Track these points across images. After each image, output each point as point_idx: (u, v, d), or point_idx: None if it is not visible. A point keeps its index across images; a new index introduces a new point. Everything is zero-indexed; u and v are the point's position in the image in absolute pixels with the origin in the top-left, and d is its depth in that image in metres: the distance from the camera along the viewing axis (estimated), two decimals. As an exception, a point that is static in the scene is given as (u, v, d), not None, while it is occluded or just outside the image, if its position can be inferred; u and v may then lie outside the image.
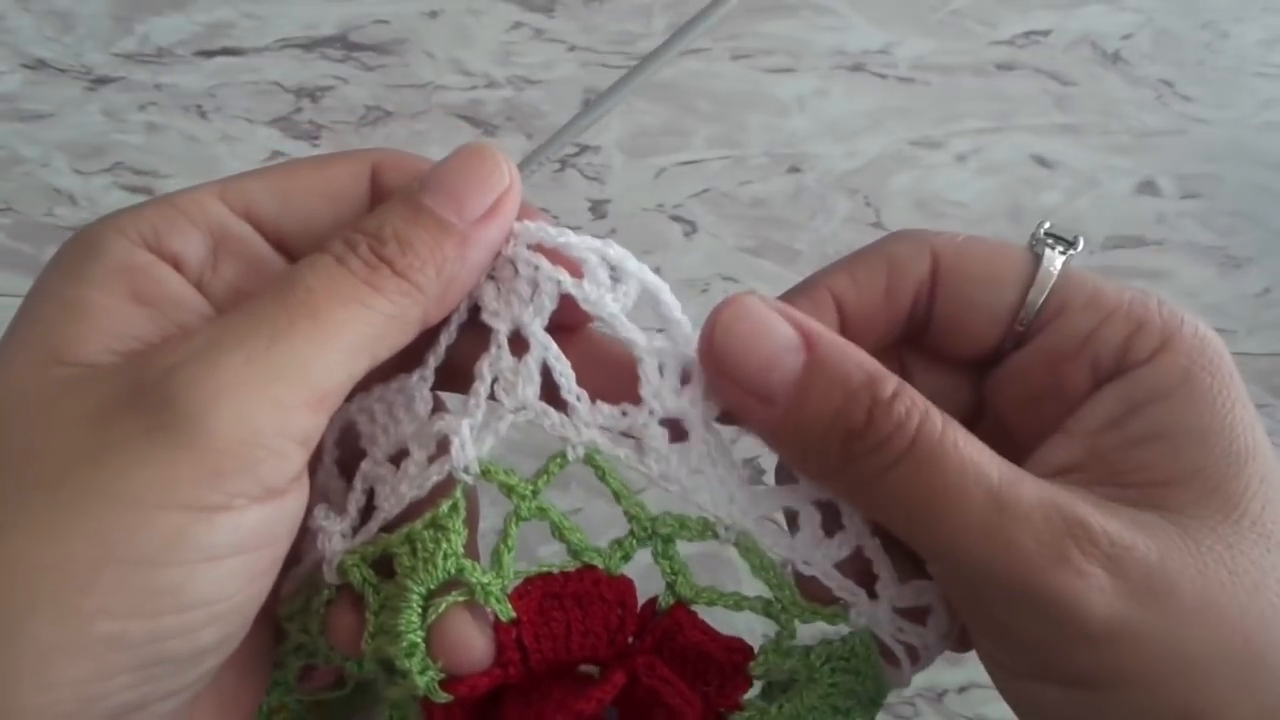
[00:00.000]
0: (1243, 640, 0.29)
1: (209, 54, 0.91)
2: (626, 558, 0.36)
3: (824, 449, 0.33)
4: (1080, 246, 0.36)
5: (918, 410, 0.32)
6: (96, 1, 0.91)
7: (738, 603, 0.37)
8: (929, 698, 0.76)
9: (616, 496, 0.36)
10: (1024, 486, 0.31)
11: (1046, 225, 0.36)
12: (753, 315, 0.33)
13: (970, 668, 0.76)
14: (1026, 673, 0.32)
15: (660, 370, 0.35)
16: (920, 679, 0.78)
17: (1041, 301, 0.35)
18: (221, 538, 0.29)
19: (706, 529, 0.36)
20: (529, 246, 0.35)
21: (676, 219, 0.88)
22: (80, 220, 0.83)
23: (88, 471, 0.28)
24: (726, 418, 0.36)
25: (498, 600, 0.35)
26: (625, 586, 0.36)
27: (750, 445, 0.36)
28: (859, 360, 0.33)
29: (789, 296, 0.38)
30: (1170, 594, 0.30)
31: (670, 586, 0.37)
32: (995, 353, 0.37)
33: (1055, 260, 0.35)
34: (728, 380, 0.34)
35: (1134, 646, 0.29)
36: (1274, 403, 0.85)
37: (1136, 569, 0.30)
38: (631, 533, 0.36)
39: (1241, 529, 0.31)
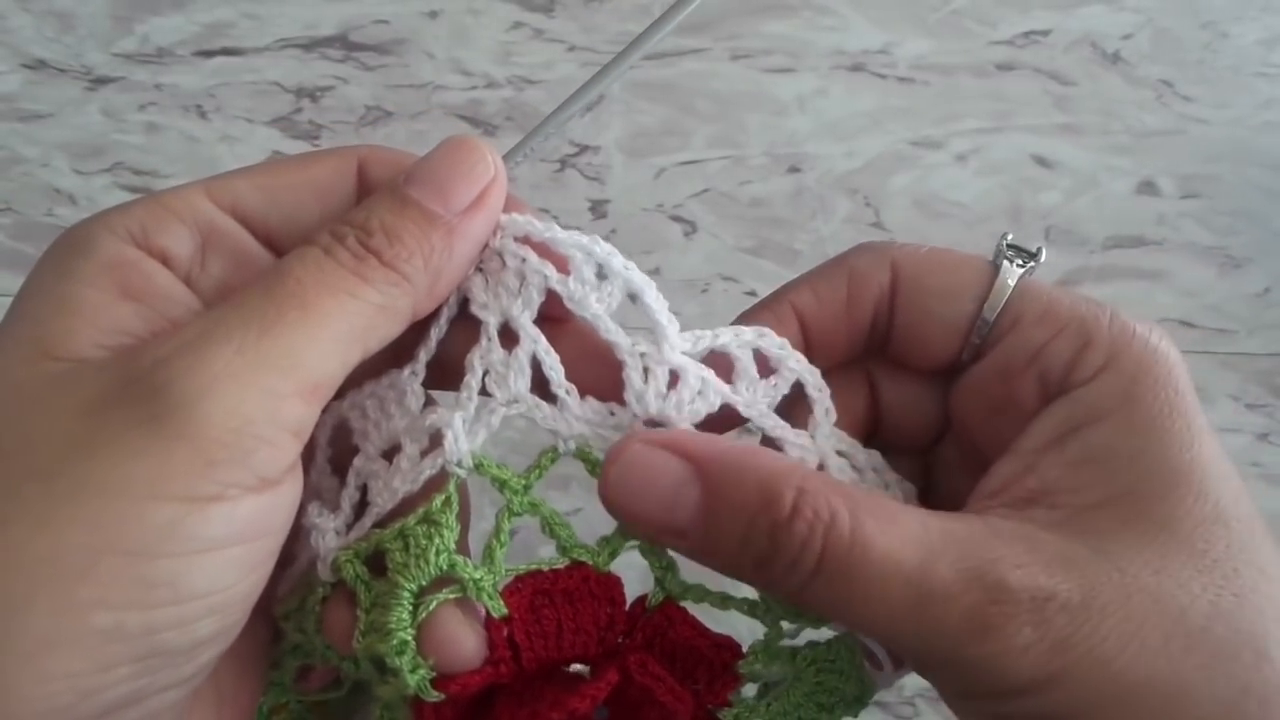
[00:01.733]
0: (1167, 668, 0.30)
1: (209, 54, 0.91)
2: (614, 554, 0.36)
3: (745, 571, 0.33)
4: (1042, 259, 0.36)
5: (821, 522, 0.31)
6: (96, 1, 0.92)
7: (724, 601, 0.37)
8: (929, 698, 0.76)
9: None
10: (941, 564, 0.31)
11: (1009, 238, 0.36)
12: (639, 464, 0.33)
13: (969, 668, 0.75)
14: (977, 715, 0.33)
15: (645, 374, 0.35)
16: (920, 678, 0.77)
17: (996, 314, 0.35)
18: (216, 528, 0.29)
19: None
20: (516, 239, 0.35)
21: (676, 219, 0.88)
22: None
23: (81, 463, 0.28)
24: (711, 421, 0.36)
25: (490, 596, 0.35)
26: (613, 583, 0.36)
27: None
28: (755, 478, 0.32)
29: (753, 312, 0.38)
30: (1094, 633, 0.30)
31: (660, 583, 0.37)
32: (955, 365, 0.37)
33: (1012, 273, 0.35)
34: (637, 528, 0.34)
35: (1065, 690, 0.30)
36: (1274, 403, 0.84)
37: (1060, 617, 0.30)
38: (619, 528, 0.36)
39: (1168, 551, 0.31)
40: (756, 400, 0.37)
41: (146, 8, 0.92)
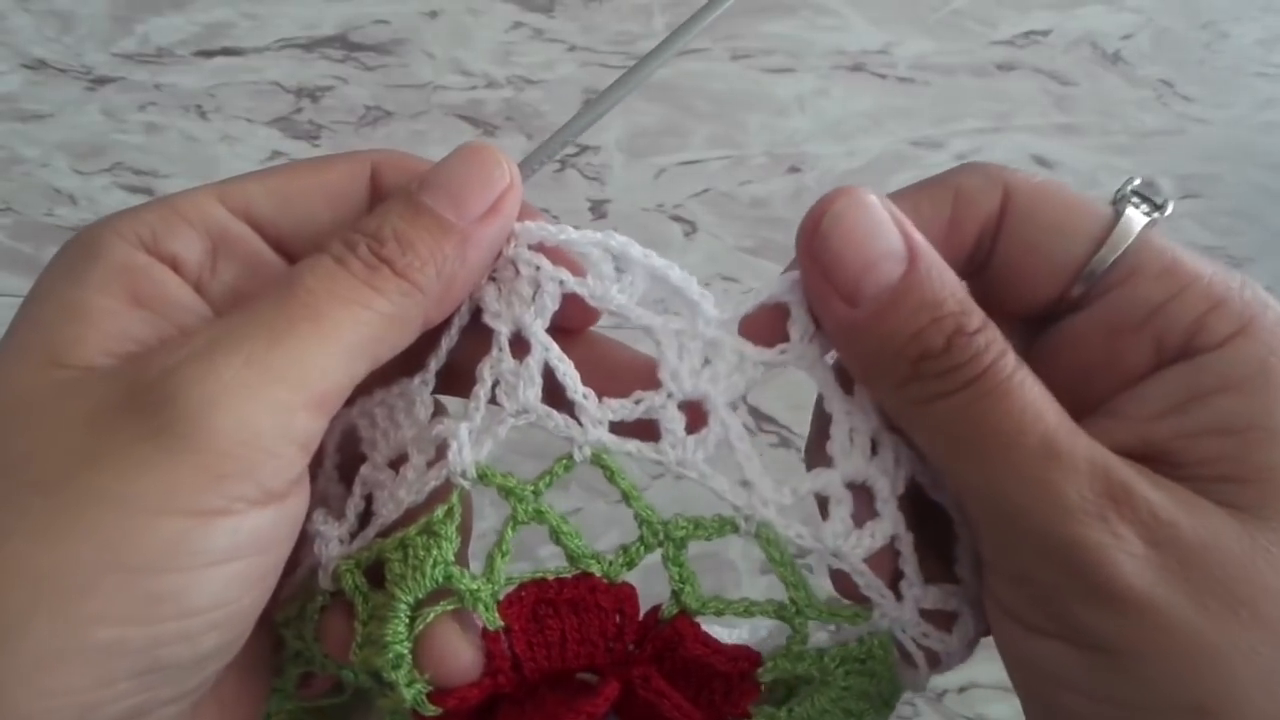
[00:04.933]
0: (1273, 646, 0.28)
1: (209, 54, 0.91)
2: (631, 564, 0.35)
3: (894, 362, 0.31)
4: (1169, 210, 0.33)
5: (996, 348, 0.30)
6: (96, 1, 0.91)
7: (747, 609, 0.35)
8: (929, 698, 0.76)
9: (627, 498, 0.35)
10: (1079, 440, 0.30)
11: (1136, 182, 0.33)
12: (867, 211, 0.32)
13: (971, 668, 0.75)
14: (1042, 628, 0.31)
15: (679, 352, 0.35)
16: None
17: (1112, 261, 0.32)
18: (221, 542, 0.29)
19: (725, 525, 0.35)
20: (530, 247, 0.35)
21: (676, 219, 0.88)
22: (80, 220, 0.83)
23: (87, 475, 0.28)
24: (745, 400, 0.35)
25: (486, 607, 0.34)
26: (625, 593, 0.35)
27: (762, 444, 0.36)
28: (954, 288, 0.31)
29: None
30: (1205, 581, 0.29)
31: (676, 595, 0.35)
32: (1051, 310, 0.34)
33: (1137, 220, 0.32)
34: (819, 270, 0.32)
35: (1157, 621, 0.28)
36: (1274, 403, 0.85)
37: (1175, 547, 0.29)
38: (641, 539, 0.35)
39: None
40: (808, 350, 0.35)
41: (146, 8, 0.92)
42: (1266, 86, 0.94)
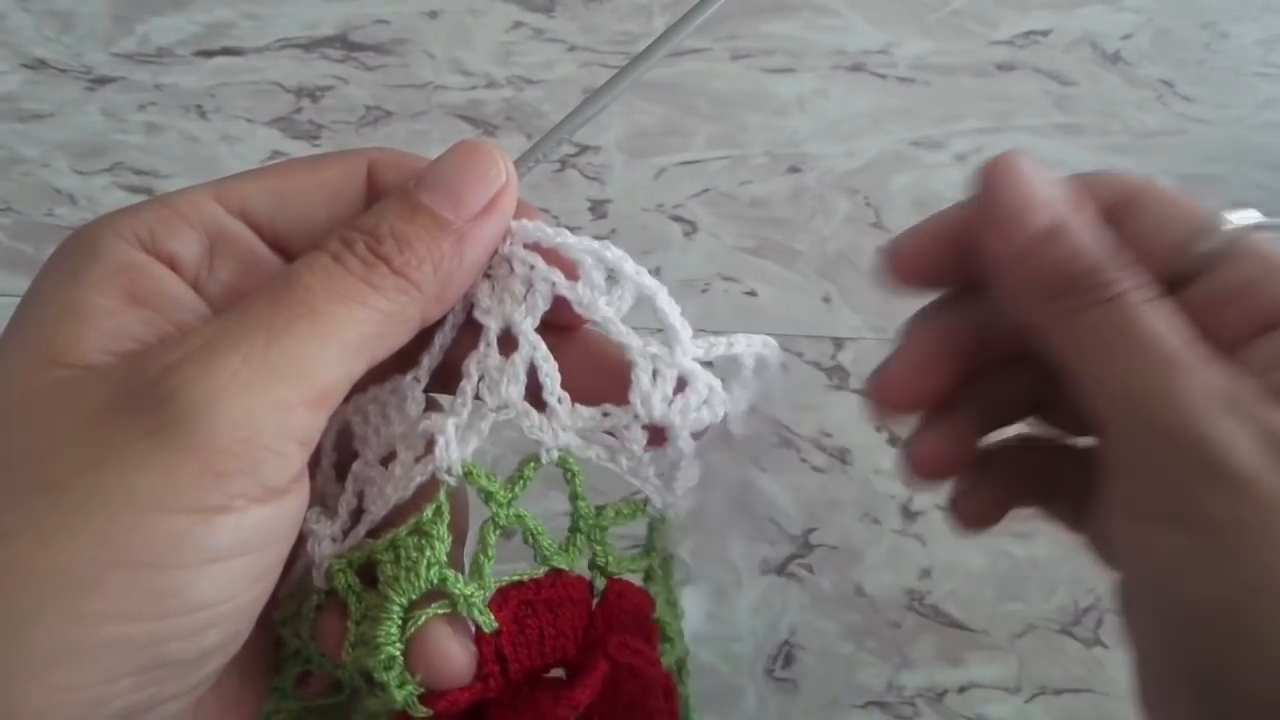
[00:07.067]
0: None
1: (209, 54, 0.91)
2: (580, 553, 0.37)
3: (1049, 281, 0.34)
4: (1269, 223, 0.36)
5: (1139, 278, 0.34)
6: (96, 1, 0.91)
7: (640, 558, 0.39)
8: (929, 698, 0.76)
9: (573, 498, 0.37)
10: (1205, 356, 0.32)
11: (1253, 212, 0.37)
12: (1035, 166, 0.36)
13: (970, 668, 0.75)
14: (1158, 513, 0.33)
15: (654, 376, 0.35)
16: (920, 679, 0.77)
17: (1207, 250, 0.35)
18: (223, 539, 0.29)
19: (637, 510, 0.38)
20: (526, 245, 0.35)
21: (676, 219, 0.88)
22: (80, 220, 0.83)
23: (89, 474, 0.28)
24: (703, 433, 0.36)
25: (480, 612, 0.34)
26: (585, 585, 0.37)
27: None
28: (1106, 233, 0.35)
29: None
30: None
31: (601, 568, 0.37)
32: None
33: (1246, 216, 0.36)
34: (993, 205, 0.36)
35: (1267, 501, 0.30)
36: (1274, 403, 0.85)
37: None
38: (577, 528, 0.37)
39: None
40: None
41: (146, 8, 0.92)
42: (1266, 86, 0.94)
